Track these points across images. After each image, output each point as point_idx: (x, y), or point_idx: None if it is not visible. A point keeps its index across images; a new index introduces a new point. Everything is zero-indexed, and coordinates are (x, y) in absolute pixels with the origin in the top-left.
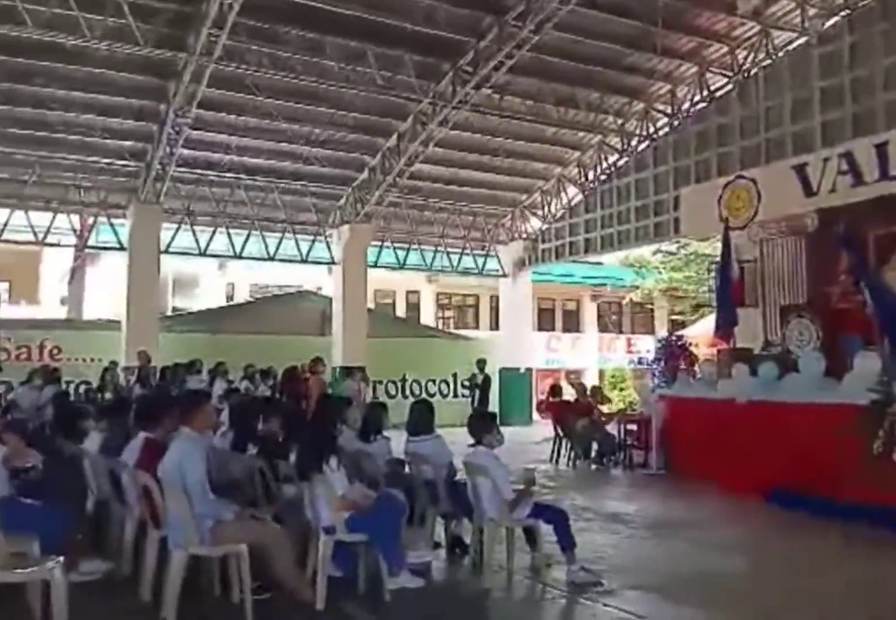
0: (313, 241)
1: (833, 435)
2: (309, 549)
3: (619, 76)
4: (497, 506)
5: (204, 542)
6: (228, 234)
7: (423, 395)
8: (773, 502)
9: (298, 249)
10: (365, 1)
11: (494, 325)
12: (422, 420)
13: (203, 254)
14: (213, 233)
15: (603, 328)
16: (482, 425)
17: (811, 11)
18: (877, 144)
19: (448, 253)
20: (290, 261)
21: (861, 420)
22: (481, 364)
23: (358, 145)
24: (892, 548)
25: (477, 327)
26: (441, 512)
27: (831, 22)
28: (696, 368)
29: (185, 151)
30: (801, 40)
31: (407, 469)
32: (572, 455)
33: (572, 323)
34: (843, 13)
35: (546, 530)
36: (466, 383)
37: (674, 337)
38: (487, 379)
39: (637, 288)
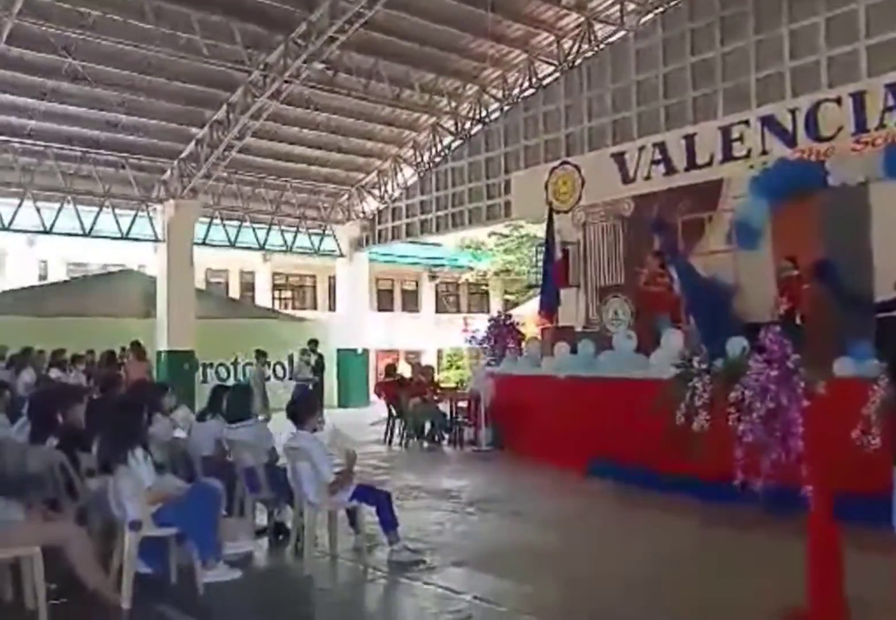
0: (135, 217)
1: (643, 408)
2: (115, 546)
3: (452, 59)
4: (317, 490)
5: None
6: (36, 207)
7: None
8: (592, 474)
9: (118, 225)
10: None
11: (333, 306)
12: (239, 405)
13: (6, 228)
14: (19, 205)
15: (441, 308)
16: (303, 408)
17: (629, 6)
18: (685, 136)
19: (283, 231)
20: (109, 237)
21: (665, 393)
22: (313, 344)
23: (183, 116)
24: (692, 513)
25: (315, 308)
26: (262, 499)
27: (647, 18)
28: (523, 346)
29: None
30: (621, 34)
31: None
32: (405, 434)
33: (411, 303)
34: (657, 10)
35: (369, 511)
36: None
37: (503, 317)
38: (321, 359)
39: (472, 269)
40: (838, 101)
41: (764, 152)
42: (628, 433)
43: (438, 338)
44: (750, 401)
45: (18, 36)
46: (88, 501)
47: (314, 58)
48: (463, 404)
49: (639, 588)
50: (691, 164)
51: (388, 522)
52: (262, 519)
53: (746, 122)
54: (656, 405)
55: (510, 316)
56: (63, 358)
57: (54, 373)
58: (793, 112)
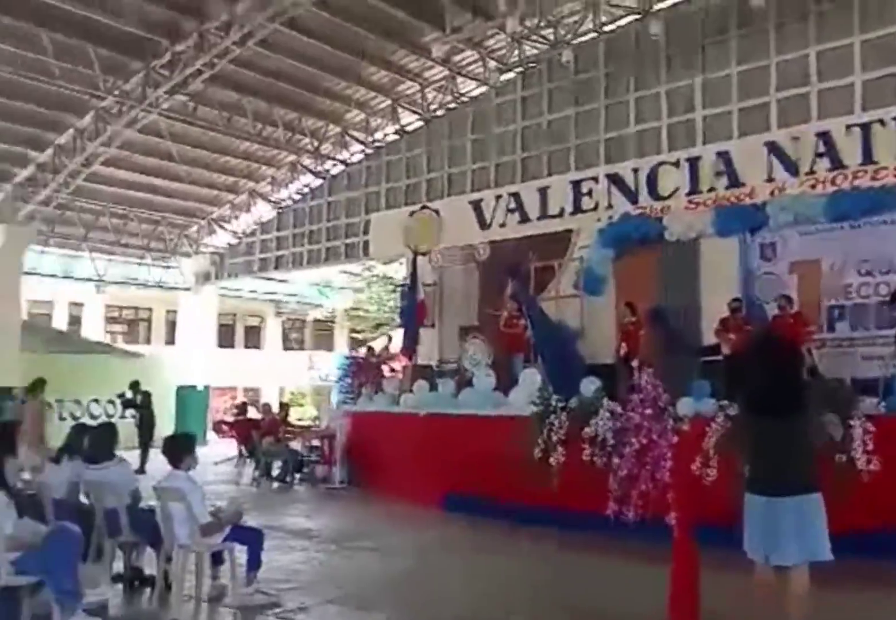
0: None
1: (503, 444)
2: None
3: (317, 99)
4: (190, 531)
5: None
6: None
7: (85, 418)
8: (449, 508)
9: None
10: None
11: (170, 340)
12: (102, 445)
13: None
14: None
15: (286, 345)
16: (182, 446)
17: (491, 64)
18: (539, 188)
19: (124, 262)
20: None
21: (524, 429)
22: (134, 386)
23: (21, 138)
24: (549, 541)
25: (149, 342)
26: (121, 543)
27: (508, 76)
28: (383, 384)
29: None
30: (483, 89)
31: (84, 498)
32: (256, 474)
33: (254, 339)
34: (517, 69)
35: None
36: (117, 400)
37: (364, 354)
38: (147, 398)
39: (321, 306)
40: (676, 164)
41: (609, 206)
42: (486, 468)
43: (282, 376)
44: (619, 437)
45: None
46: None
47: (177, 89)
48: (316, 442)
49: (504, 606)
50: (544, 214)
51: (255, 562)
52: (117, 565)
53: (595, 179)
54: (517, 440)
55: (373, 353)
56: None
57: None
58: (635, 171)
